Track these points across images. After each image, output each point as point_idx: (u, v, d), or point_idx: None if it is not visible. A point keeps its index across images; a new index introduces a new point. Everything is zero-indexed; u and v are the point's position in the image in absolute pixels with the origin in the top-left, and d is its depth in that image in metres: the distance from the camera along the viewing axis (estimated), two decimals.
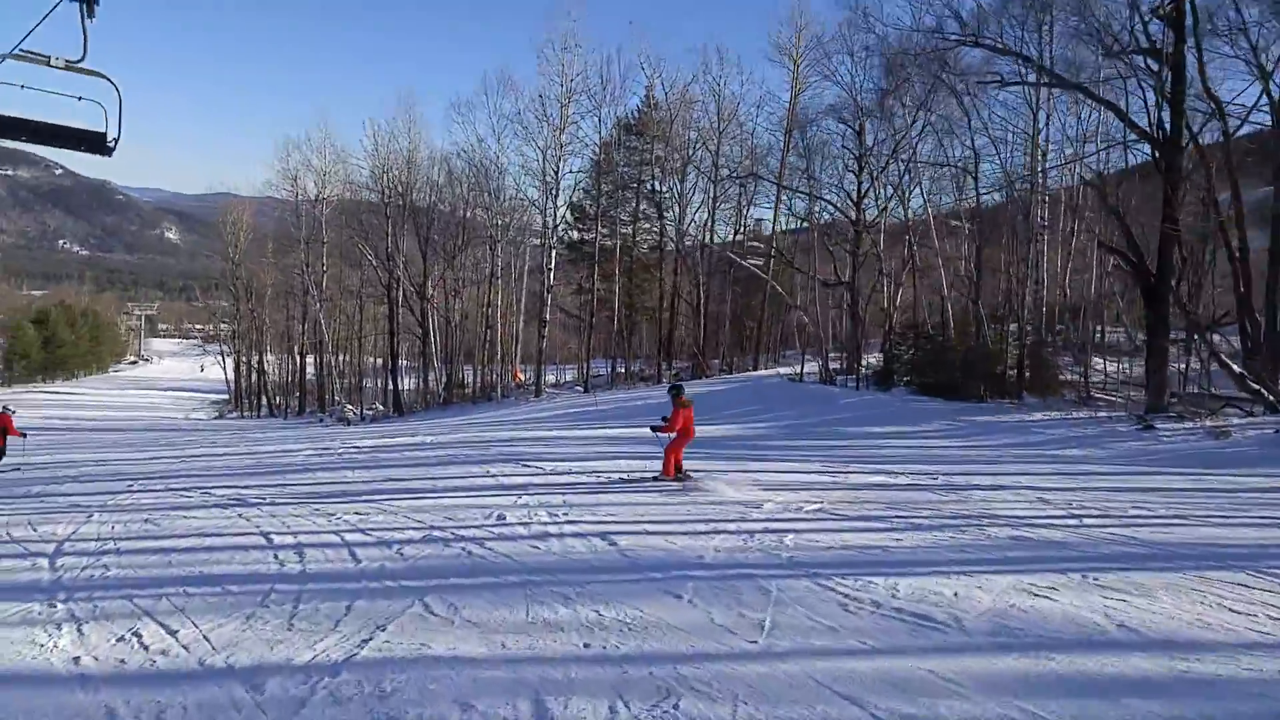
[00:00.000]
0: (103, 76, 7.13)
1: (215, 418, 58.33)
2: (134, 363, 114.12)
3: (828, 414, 21.69)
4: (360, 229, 46.21)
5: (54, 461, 21.08)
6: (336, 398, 54.15)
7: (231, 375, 70.42)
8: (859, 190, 31.71)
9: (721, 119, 40.08)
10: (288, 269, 56.29)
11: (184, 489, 13.47)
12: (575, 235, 45.75)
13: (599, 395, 32.56)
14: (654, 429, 12.93)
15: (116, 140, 7.32)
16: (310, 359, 56.03)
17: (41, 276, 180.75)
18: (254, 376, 61.65)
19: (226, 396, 73.80)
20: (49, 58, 7.22)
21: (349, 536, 8.89)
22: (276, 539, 8.85)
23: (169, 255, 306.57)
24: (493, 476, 13.35)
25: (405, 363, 50.96)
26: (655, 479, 12.33)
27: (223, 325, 67.41)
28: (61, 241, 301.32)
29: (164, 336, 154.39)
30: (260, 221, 61.85)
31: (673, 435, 12.43)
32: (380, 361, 56.62)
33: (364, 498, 11.55)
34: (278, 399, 58.97)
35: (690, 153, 40.86)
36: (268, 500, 11.65)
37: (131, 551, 8.67)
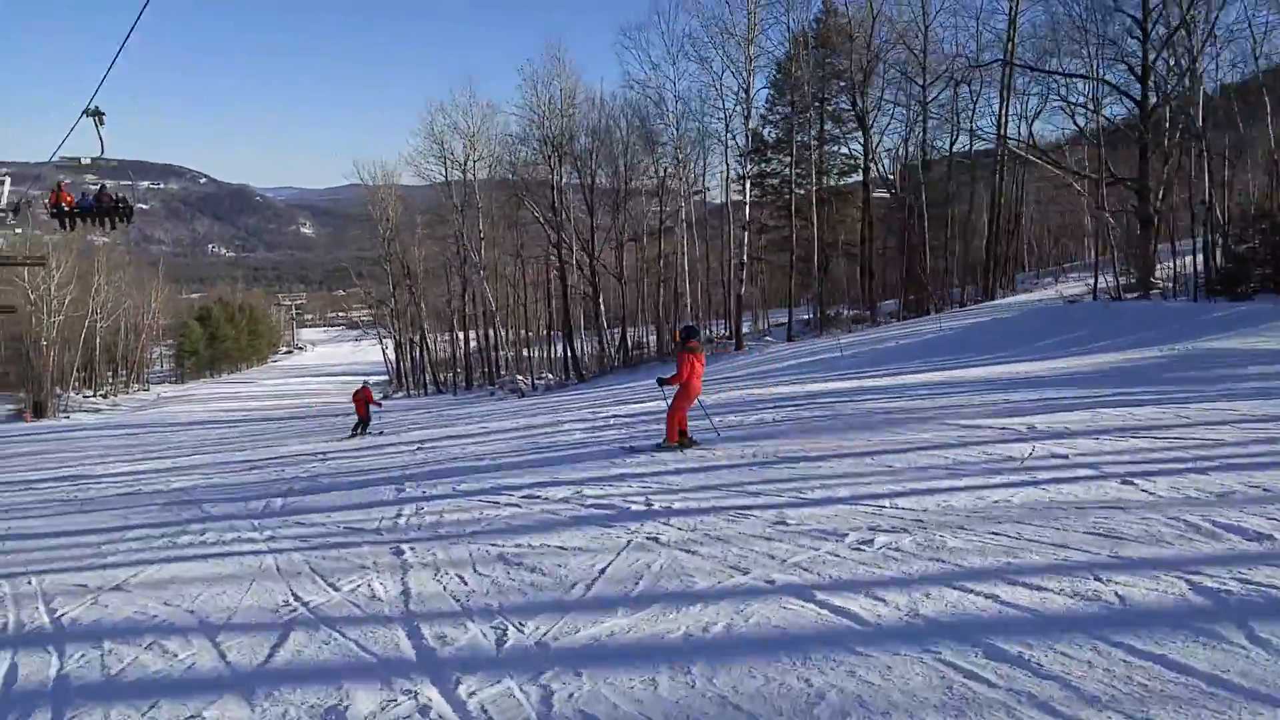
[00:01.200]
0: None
1: (381, 398, 56.49)
2: (289, 352, 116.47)
3: (1196, 336, 16.35)
4: (520, 185, 42.63)
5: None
6: (504, 369, 51.32)
7: (391, 355, 69.20)
8: (1144, 61, 25.29)
9: (926, 13, 34.21)
10: (443, 241, 53.77)
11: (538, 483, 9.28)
12: (753, 170, 40.90)
13: (842, 339, 27.76)
14: (661, 382, 11.13)
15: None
16: (472, 332, 53.45)
17: (196, 280, 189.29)
18: (416, 354, 59.76)
19: (386, 377, 72.83)
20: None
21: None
22: None
23: (306, 249, 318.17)
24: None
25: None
26: (658, 447, 10.57)
27: (379, 306, 65.70)
28: (210, 245, 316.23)
29: (310, 326, 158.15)
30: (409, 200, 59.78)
31: (674, 388, 10.61)
32: (544, 329, 53.40)
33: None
34: (443, 375, 56.80)
35: (885, 57, 35.25)
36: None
37: None
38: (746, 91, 35.51)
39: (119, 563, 7.44)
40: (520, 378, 49.44)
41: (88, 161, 15.80)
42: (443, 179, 49.89)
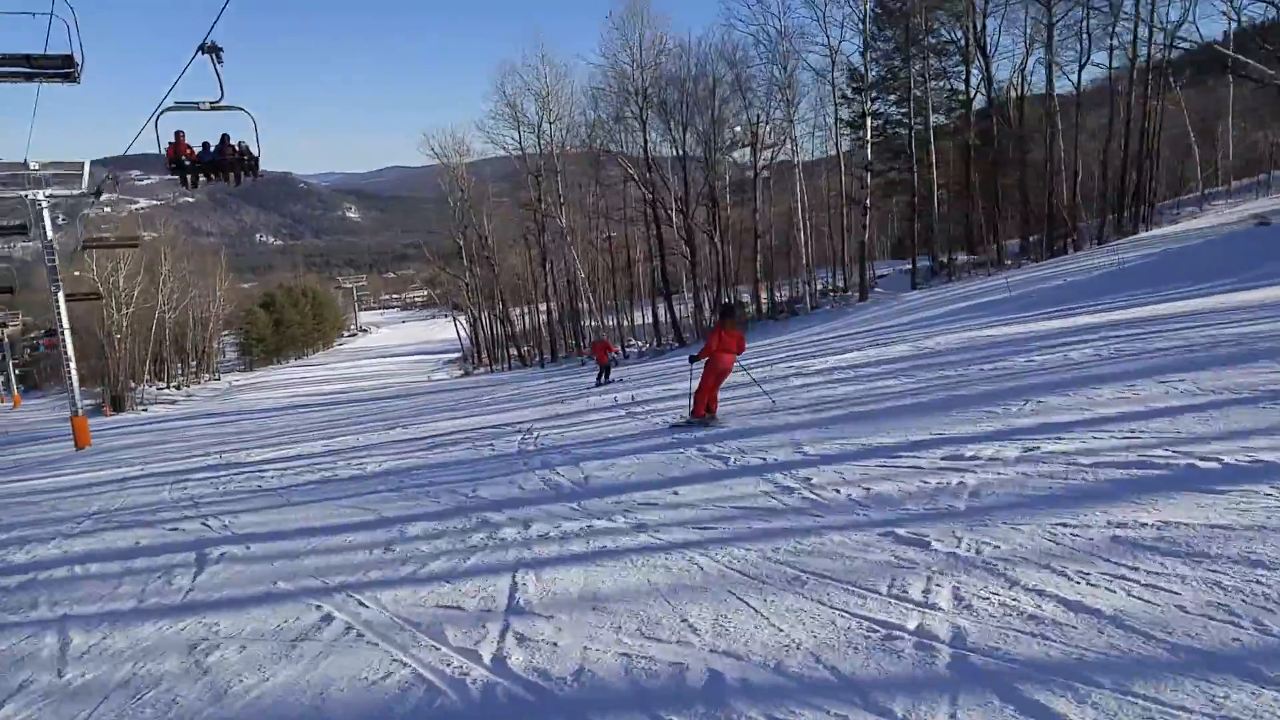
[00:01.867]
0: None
1: (461, 375, 55.14)
2: (352, 335, 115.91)
3: None
4: (605, 141, 40.31)
5: None
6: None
7: (464, 333, 67.74)
8: None
9: None
10: (519, 210, 51.82)
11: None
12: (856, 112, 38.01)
13: (1009, 278, 25.05)
14: (692, 359, 11.09)
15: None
16: (553, 305, 51.53)
17: (248, 269, 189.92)
18: (495, 328, 58.14)
19: (458, 354, 71.48)
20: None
21: None
22: None
23: (353, 234, 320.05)
24: None
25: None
26: (687, 423, 10.50)
27: (454, 281, 64.00)
28: (258, 235, 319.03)
29: (366, 309, 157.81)
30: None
31: (701, 363, 10.60)
32: (634, 295, 51.25)
33: None
34: (526, 349, 55.05)
35: None
36: None
37: None
38: (863, 21, 32.83)
39: (492, 572, 5.54)
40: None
41: (206, 107, 13.88)
42: (516, 145, 47.91)
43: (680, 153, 37.29)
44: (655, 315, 44.83)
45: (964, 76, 34.76)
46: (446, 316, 79.90)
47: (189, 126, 18.53)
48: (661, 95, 37.04)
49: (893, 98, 35.74)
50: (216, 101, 13.71)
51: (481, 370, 55.76)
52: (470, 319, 62.23)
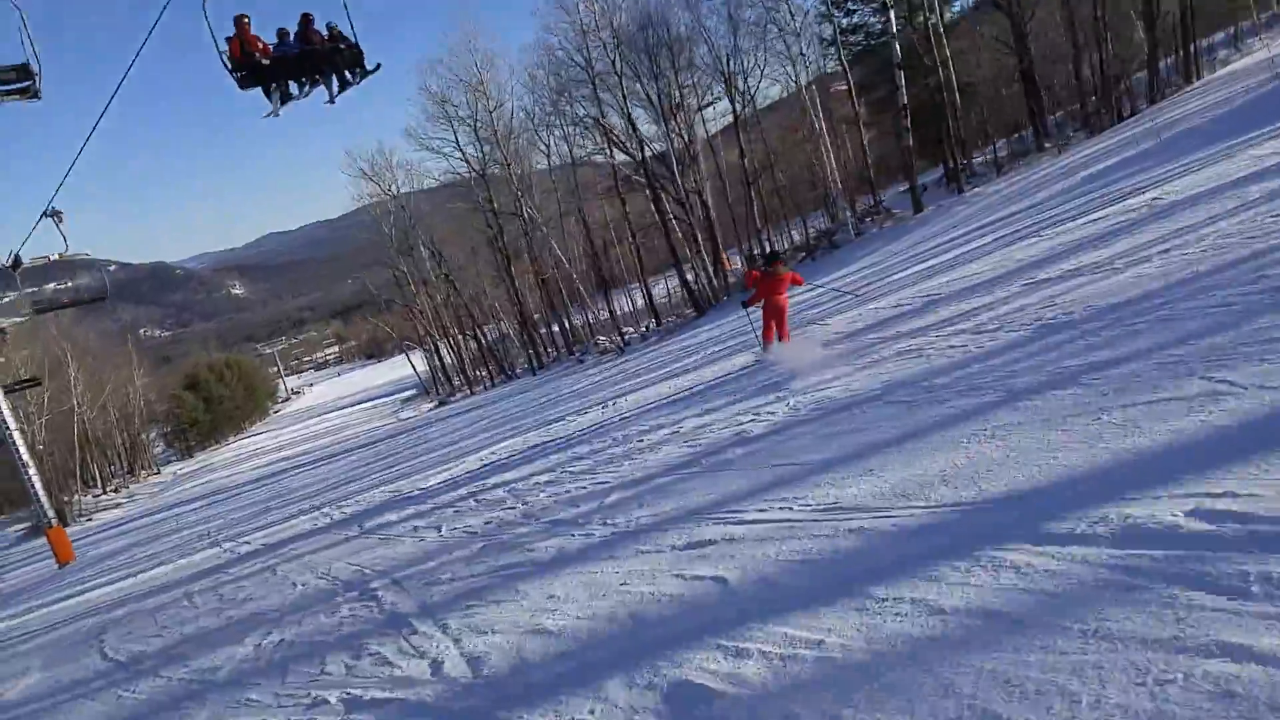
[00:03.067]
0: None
1: (436, 405, 50.58)
2: (286, 400, 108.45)
3: None
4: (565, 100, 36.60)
5: None
6: (585, 334, 45.77)
7: (423, 364, 62.94)
8: None
9: None
10: (466, 216, 47.59)
11: None
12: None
13: (1157, 124, 22.16)
14: (744, 304, 13.11)
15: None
16: (529, 308, 47.50)
17: (159, 359, 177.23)
18: (466, 349, 53.69)
19: (415, 390, 66.55)
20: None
21: None
22: None
23: (243, 310, 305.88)
24: None
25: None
26: (762, 351, 12.23)
27: (405, 314, 59.11)
28: (143, 330, 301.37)
29: (288, 374, 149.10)
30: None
31: (759, 305, 12.29)
32: (629, 275, 47.59)
33: None
34: (508, 361, 50.81)
35: None
36: None
37: None
38: None
39: None
40: (603, 338, 43.88)
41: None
42: (453, 144, 43.88)
43: (660, 108, 33.99)
44: (648, 296, 41.39)
45: None
46: (376, 360, 74.52)
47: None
48: (628, 47, 33.64)
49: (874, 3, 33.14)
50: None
51: (460, 395, 51.30)
52: (430, 347, 57.61)
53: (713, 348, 17.48)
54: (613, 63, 33.17)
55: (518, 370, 49.38)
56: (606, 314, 47.13)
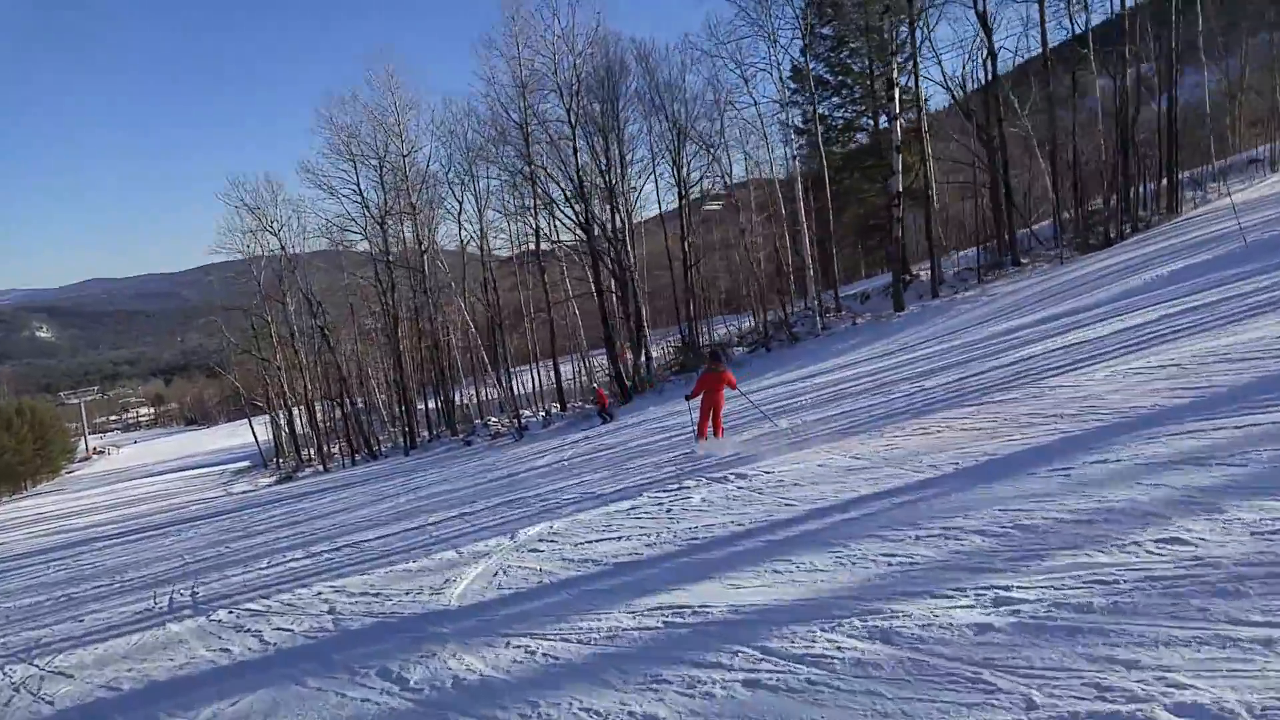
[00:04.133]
0: None
1: (277, 480, 43.22)
2: (86, 459, 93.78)
3: None
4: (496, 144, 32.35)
5: None
6: (471, 413, 40.31)
7: (266, 434, 54.83)
8: None
9: None
10: (346, 268, 41.87)
11: None
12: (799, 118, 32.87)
13: (1241, 222, 19.38)
14: (687, 398, 13.75)
15: None
16: (410, 379, 41.63)
17: None
18: (329, 416, 46.65)
19: (247, 462, 57.94)
20: None
21: None
22: None
23: (48, 356, 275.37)
24: None
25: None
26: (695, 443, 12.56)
27: (259, 380, 51.43)
28: None
29: (85, 431, 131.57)
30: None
31: (698, 399, 12.85)
32: (529, 355, 42.75)
33: None
34: (371, 435, 44.19)
35: None
36: None
37: None
38: (801, 18, 28.11)
39: None
40: (495, 419, 38.62)
41: None
42: (353, 186, 38.78)
43: (608, 172, 30.35)
44: (557, 375, 36.77)
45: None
46: (200, 426, 65.22)
47: None
48: (586, 99, 29.95)
49: (839, 99, 31.26)
50: None
51: (310, 471, 44.12)
52: (280, 412, 50.08)
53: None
54: (568, 111, 29.28)
55: (383, 447, 43.05)
56: (495, 393, 42.13)
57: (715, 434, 12.51)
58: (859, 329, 24.39)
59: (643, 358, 31.57)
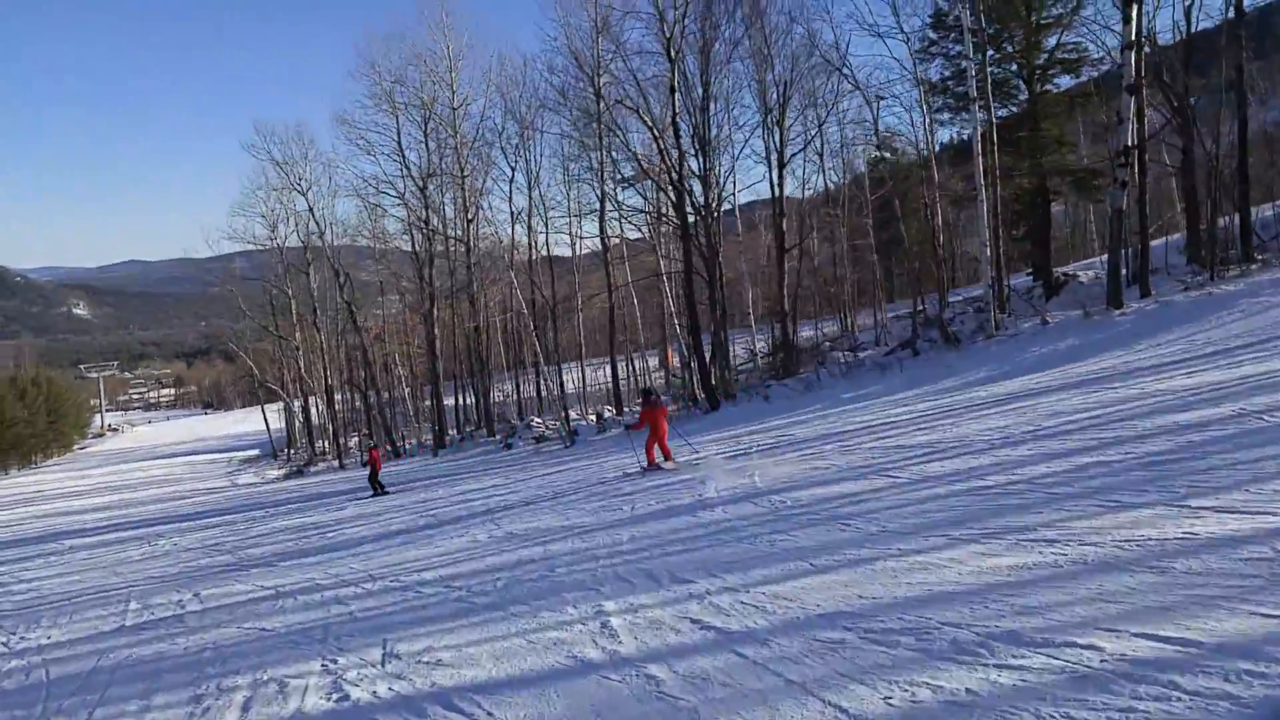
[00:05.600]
0: None
1: (287, 474, 37.63)
2: (99, 436, 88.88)
3: None
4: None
5: None
6: (514, 416, 34.54)
7: (277, 421, 49.37)
8: None
9: None
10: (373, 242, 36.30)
11: None
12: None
13: None
14: (626, 428, 16.45)
15: None
16: (447, 369, 35.86)
17: None
18: (348, 406, 41.09)
19: (258, 452, 52.43)
20: None
21: None
22: None
23: (82, 332, 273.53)
24: None
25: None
26: (644, 469, 13.39)
27: (275, 365, 46.03)
28: None
29: (110, 410, 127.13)
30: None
31: (644, 430, 13.84)
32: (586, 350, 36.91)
33: None
34: (393, 429, 38.41)
35: None
36: None
37: None
38: None
39: None
40: (539, 420, 32.76)
41: None
42: (394, 141, 33.31)
43: (703, 126, 24.39)
44: (614, 373, 30.94)
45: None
46: (214, 411, 59.96)
47: None
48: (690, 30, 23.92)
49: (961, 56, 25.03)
50: None
51: (322, 465, 38.45)
52: (296, 400, 44.56)
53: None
54: (670, 54, 23.09)
55: (405, 445, 37.30)
56: (535, 390, 36.34)
57: (665, 459, 13.43)
58: (1051, 331, 18.19)
59: (721, 357, 25.62)
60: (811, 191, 32.98)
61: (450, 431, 35.95)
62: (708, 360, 23.92)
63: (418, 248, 34.67)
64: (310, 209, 35.88)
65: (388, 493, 18.81)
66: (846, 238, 29.85)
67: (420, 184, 33.55)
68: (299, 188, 35.86)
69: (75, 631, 8.60)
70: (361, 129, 32.83)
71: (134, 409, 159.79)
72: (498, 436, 33.60)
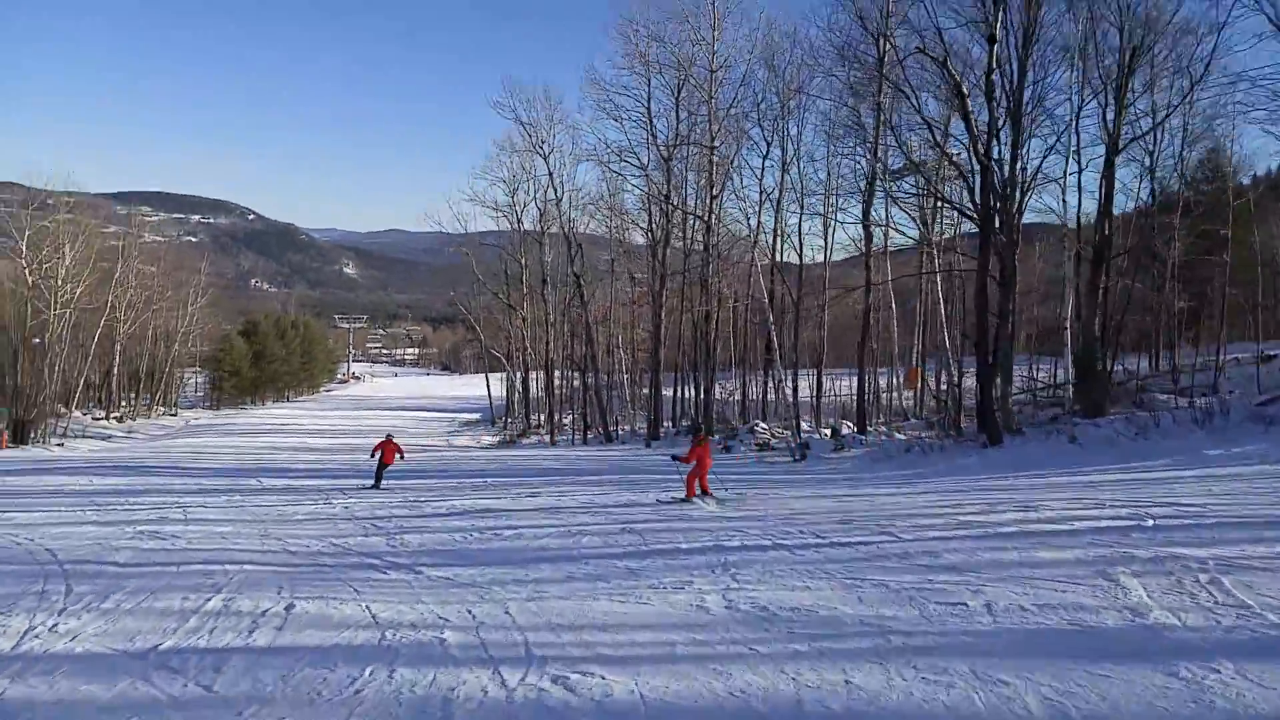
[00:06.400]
0: None
1: (500, 442, 36.53)
2: (343, 382, 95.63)
3: None
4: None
5: None
6: (734, 418, 31.17)
7: (498, 389, 49.12)
8: None
9: None
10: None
11: None
12: None
13: None
14: (674, 458, 14.11)
15: None
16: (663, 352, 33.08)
17: (237, 312, 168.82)
18: (566, 383, 39.63)
19: (477, 416, 52.64)
20: None
21: None
22: None
23: (348, 289, 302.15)
24: None
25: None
26: (681, 500, 13.14)
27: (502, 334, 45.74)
28: (254, 281, 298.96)
29: (356, 361, 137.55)
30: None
31: (691, 464, 13.37)
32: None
33: None
34: (616, 419, 36.22)
35: None
36: None
37: None
38: None
39: None
40: (764, 426, 29.07)
41: None
42: (641, 110, 30.71)
43: (1015, 101, 19.61)
44: (861, 384, 26.57)
45: None
46: (450, 373, 61.07)
47: None
48: None
49: None
50: None
51: (534, 440, 37.03)
52: (518, 370, 43.76)
53: None
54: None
55: (618, 431, 34.93)
56: (762, 394, 32.68)
57: (704, 494, 13.25)
58: None
59: (1005, 381, 20.65)
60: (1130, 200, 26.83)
61: (665, 423, 33.11)
62: (992, 383, 19.10)
63: (654, 224, 32.03)
64: (550, 174, 34.24)
65: (378, 489, 16.94)
66: (1180, 254, 23.64)
67: (665, 154, 30.83)
68: (540, 150, 34.30)
69: (107, 639, 6.06)
70: (611, 89, 30.54)
71: (381, 362, 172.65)
72: (716, 436, 30.35)
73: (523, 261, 39.19)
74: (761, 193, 30.58)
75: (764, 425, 29.65)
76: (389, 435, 18.51)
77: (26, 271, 39.19)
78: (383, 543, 10.30)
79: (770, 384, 30.26)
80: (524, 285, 39.44)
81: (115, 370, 52.24)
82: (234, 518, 13.08)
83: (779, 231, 31.13)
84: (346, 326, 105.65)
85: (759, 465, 23.36)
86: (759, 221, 30.88)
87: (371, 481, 17.34)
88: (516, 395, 45.26)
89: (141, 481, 20.36)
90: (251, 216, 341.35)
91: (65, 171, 48.59)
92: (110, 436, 43.34)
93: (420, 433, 41.18)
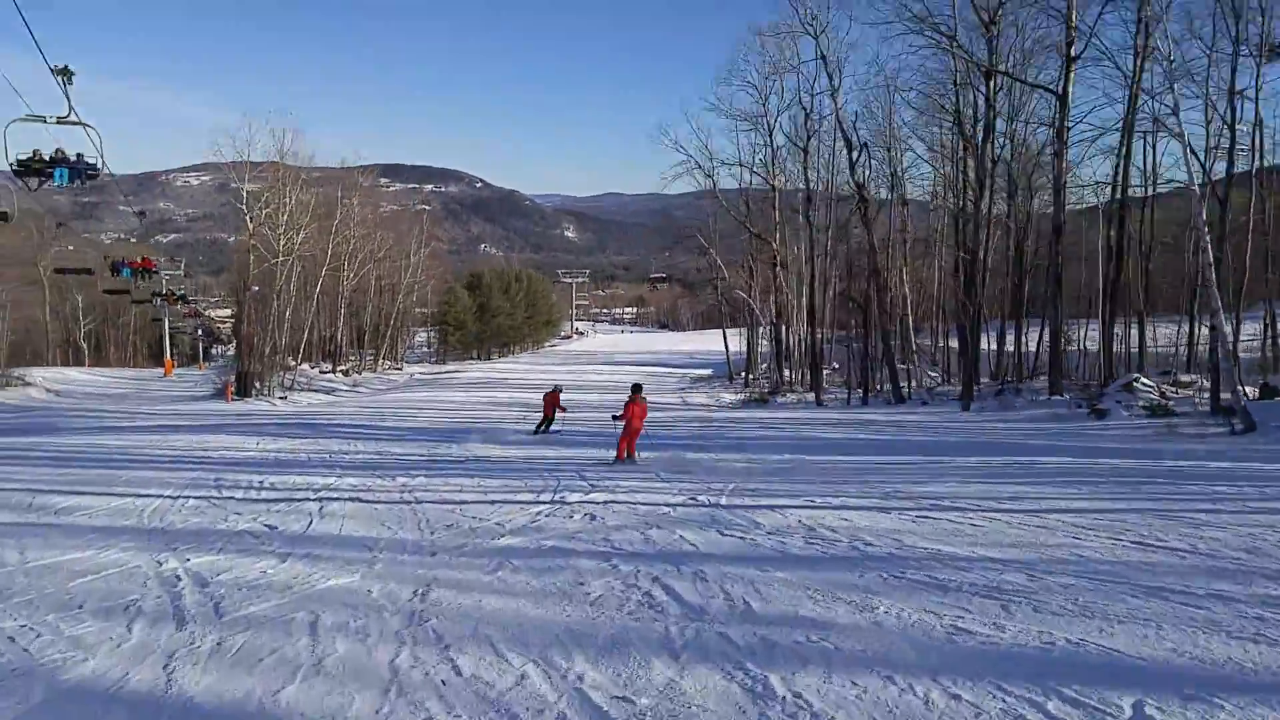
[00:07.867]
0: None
1: (748, 399, 29.34)
2: (566, 337, 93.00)
3: None
4: None
5: None
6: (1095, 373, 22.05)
7: (739, 346, 41.95)
8: None
9: None
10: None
11: None
12: None
13: None
14: (614, 417, 13.44)
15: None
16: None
17: (468, 274, 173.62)
18: (842, 327, 31.78)
19: (711, 372, 45.82)
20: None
21: None
22: None
23: (569, 252, 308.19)
24: None
25: None
26: (610, 464, 12.39)
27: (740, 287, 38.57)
28: (482, 245, 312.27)
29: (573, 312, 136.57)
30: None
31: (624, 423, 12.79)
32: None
33: None
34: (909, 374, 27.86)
35: None
36: None
37: None
38: None
39: None
40: (1146, 382, 19.80)
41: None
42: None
43: None
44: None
45: None
46: (669, 330, 54.78)
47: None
48: None
49: None
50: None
51: (794, 397, 29.41)
52: (764, 325, 36.25)
53: None
54: None
55: (910, 390, 26.54)
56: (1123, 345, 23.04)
57: (629, 456, 12.61)
58: None
59: None
60: None
61: (981, 380, 24.36)
62: None
63: (964, 105, 23.13)
64: (824, 57, 25.86)
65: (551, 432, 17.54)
66: None
67: (988, 15, 21.83)
68: (809, 29, 26.02)
69: None
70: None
71: (601, 321, 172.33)
72: (1068, 395, 21.39)
73: (773, 183, 31.39)
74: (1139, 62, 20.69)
75: (1146, 381, 20.29)
76: (556, 387, 18.49)
77: (248, 219, 37.04)
78: None
79: (1154, 329, 20.66)
80: (775, 211, 31.63)
81: (341, 323, 50.54)
82: (381, 535, 6.59)
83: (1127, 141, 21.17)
84: (570, 282, 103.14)
85: (1172, 438, 14.80)
86: (1134, 91, 21.05)
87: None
88: (761, 348, 37.78)
89: (313, 448, 15.13)
90: (479, 184, 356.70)
91: (309, 151, 46.74)
92: (334, 390, 40.81)
93: (650, 389, 34.97)
